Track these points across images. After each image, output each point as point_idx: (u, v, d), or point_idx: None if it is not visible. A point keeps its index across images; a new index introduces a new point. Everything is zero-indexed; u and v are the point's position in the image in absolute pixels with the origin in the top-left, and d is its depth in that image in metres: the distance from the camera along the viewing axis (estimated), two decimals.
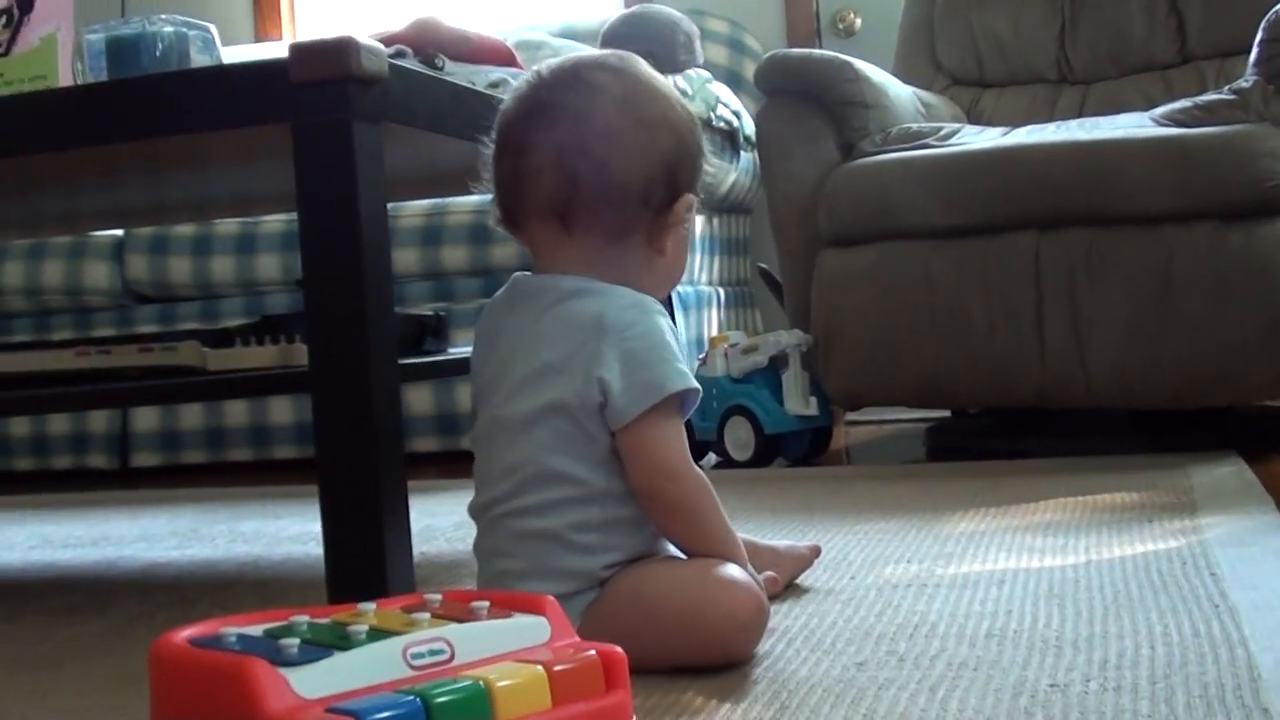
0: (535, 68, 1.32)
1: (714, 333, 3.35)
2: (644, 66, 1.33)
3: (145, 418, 3.41)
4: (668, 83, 1.34)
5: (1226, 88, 2.58)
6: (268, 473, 3.30)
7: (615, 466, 1.24)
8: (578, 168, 1.25)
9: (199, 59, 1.74)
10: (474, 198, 3.10)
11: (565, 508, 1.23)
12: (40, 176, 1.69)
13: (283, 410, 3.30)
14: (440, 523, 2.22)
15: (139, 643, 1.52)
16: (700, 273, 3.42)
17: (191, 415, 3.37)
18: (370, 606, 0.97)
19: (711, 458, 2.82)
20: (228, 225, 3.32)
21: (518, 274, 1.35)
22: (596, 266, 1.28)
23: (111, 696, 1.29)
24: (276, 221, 3.29)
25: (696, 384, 1.25)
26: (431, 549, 2.00)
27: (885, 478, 2.48)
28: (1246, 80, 2.53)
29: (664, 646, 1.18)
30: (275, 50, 3.61)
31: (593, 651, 0.92)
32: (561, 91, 1.28)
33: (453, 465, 3.01)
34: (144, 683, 1.30)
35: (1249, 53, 2.58)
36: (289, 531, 2.30)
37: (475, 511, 1.31)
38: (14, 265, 3.46)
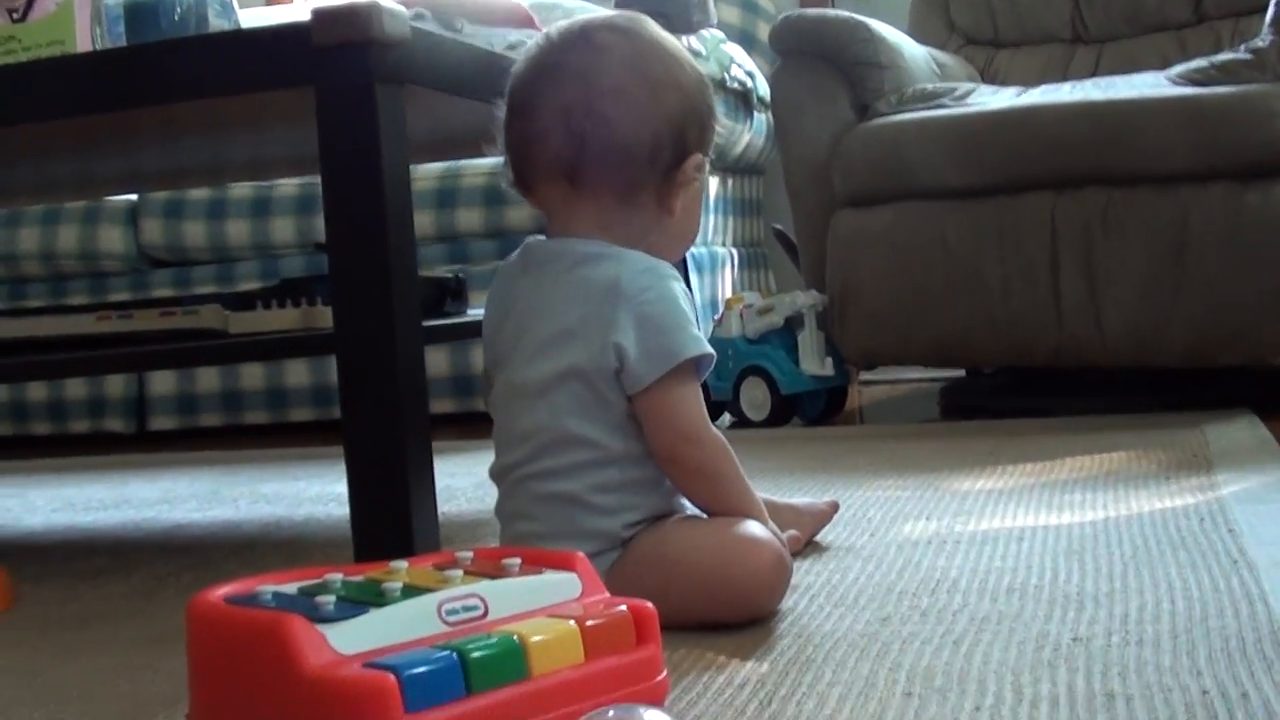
0: (545, 30, 1.33)
1: (729, 294, 3.36)
2: (653, 27, 1.33)
3: (162, 382, 3.42)
4: (677, 43, 1.34)
5: (1243, 47, 2.58)
6: (284, 435, 3.32)
7: (632, 430, 1.25)
8: (584, 127, 1.25)
9: (217, 23, 1.75)
10: (488, 160, 3.12)
11: (584, 470, 1.24)
12: (57, 141, 1.69)
13: (299, 373, 3.32)
14: (460, 483, 2.23)
15: (166, 603, 1.54)
16: (714, 234, 3.43)
17: (208, 379, 3.39)
18: (403, 564, 0.99)
19: (727, 418, 2.83)
20: (242, 189, 3.33)
21: (530, 238, 1.35)
22: (608, 228, 1.29)
23: (142, 655, 1.31)
24: (290, 185, 3.29)
25: (711, 349, 1.26)
26: (452, 509, 2.02)
27: (901, 436, 2.49)
28: (1263, 39, 2.52)
29: (688, 604, 1.19)
30: (286, 13, 3.61)
31: (623, 606, 0.94)
32: (569, 52, 1.29)
33: (469, 426, 3.02)
34: (174, 642, 1.32)
35: (1264, 12, 2.57)
36: (309, 492, 2.31)
37: (496, 475, 1.32)
38: (29, 230, 3.47)
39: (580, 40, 1.29)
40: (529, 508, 1.27)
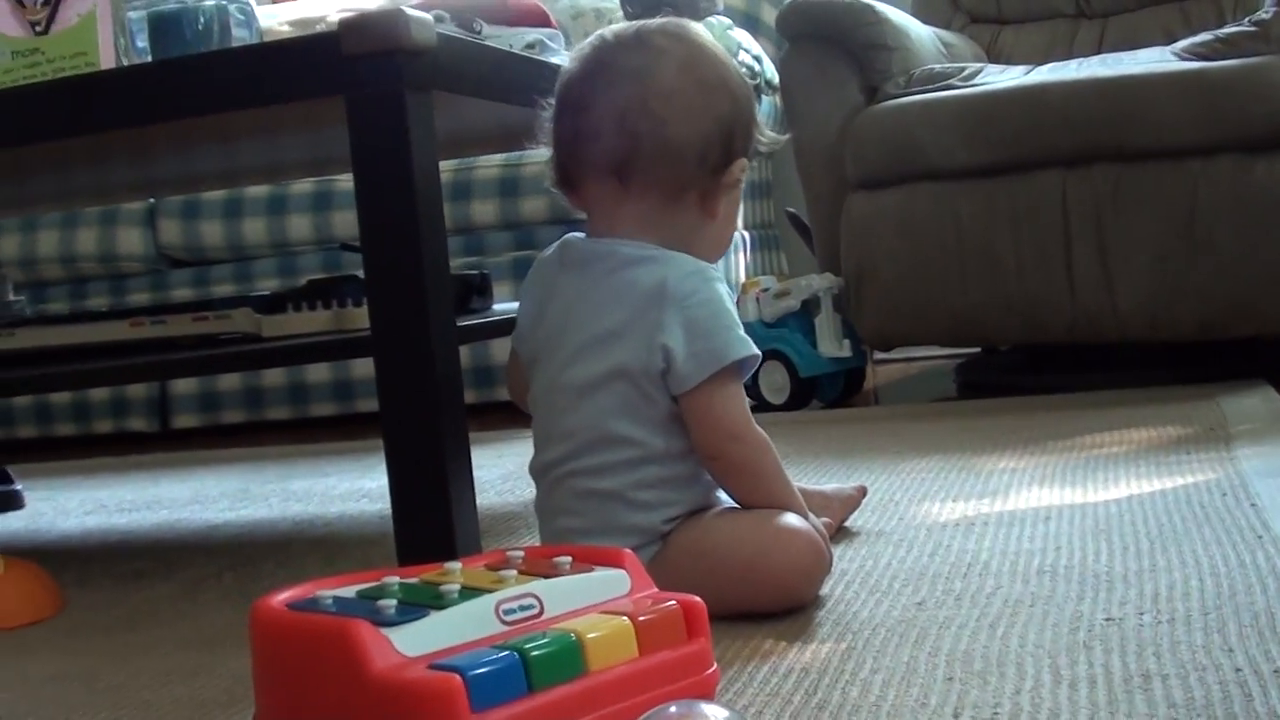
0: (599, 32, 1.36)
1: (743, 277, 3.39)
2: (704, 32, 1.37)
3: (185, 380, 3.45)
4: (723, 49, 1.38)
5: (1247, 19, 2.60)
6: (307, 430, 3.35)
7: (675, 428, 1.29)
8: (638, 125, 1.29)
9: (239, 32, 1.77)
10: (499, 154, 3.14)
11: (625, 469, 1.27)
12: (77, 154, 1.72)
13: (320, 369, 3.34)
14: (487, 475, 2.26)
15: (211, 605, 1.58)
16: None
17: (230, 377, 3.41)
18: (456, 565, 1.02)
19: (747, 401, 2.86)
20: (258, 188, 3.35)
21: (570, 234, 1.38)
22: (652, 229, 1.31)
23: (194, 658, 1.34)
24: (306, 183, 3.32)
25: (757, 350, 1.29)
26: (483, 501, 2.03)
27: (920, 416, 2.52)
28: (1266, 11, 2.54)
29: (729, 594, 1.22)
30: (283, 11, 3.64)
31: (673, 602, 0.97)
32: (624, 53, 1.32)
33: (490, 417, 3.05)
34: (223, 644, 1.36)
35: None
36: (339, 489, 2.34)
37: (536, 472, 1.35)
38: (48, 234, 3.50)
39: (635, 42, 1.33)
40: (571, 504, 1.30)
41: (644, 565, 1.21)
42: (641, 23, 1.36)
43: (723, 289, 1.30)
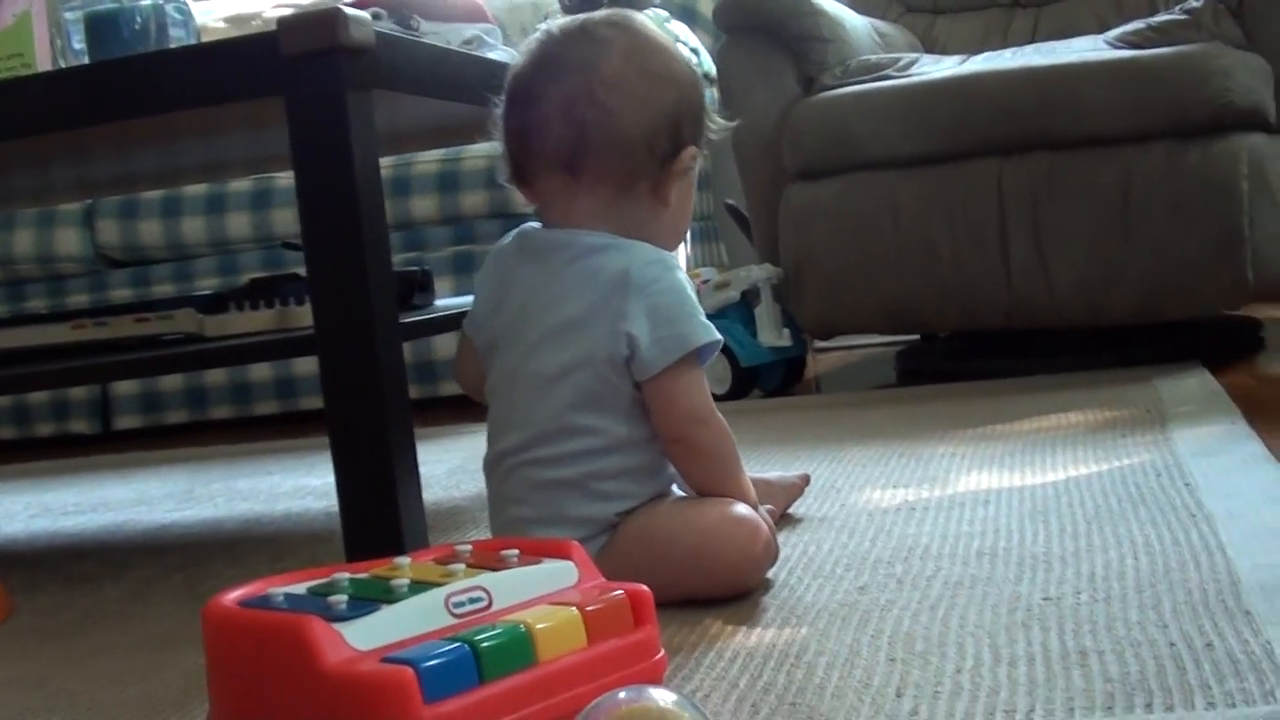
0: (545, 26, 1.37)
1: (685, 269, 3.40)
2: (648, 23, 1.38)
3: (126, 381, 3.43)
4: (669, 38, 1.39)
5: (1178, 8, 2.64)
6: (250, 429, 3.34)
7: (637, 415, 1.31)
8: (585, 115, 1.30)
9: (176, 31, 1.77)
10: (438, 150, 3.14)
11: (586, 458, 1.29)
12: (11, 156, 1.71)
13: (263, 367, 3.33)
14: (432, 470, 2.27)
15: (160, 606, 1.58)
16: None
17: (172, 377, 3.40)
18: (405, 560, 1.03)
19: None
20: (196, 186, 3.34)
21: (526, 225, 1.40)
22: (607, 219, 1.33)
23: (145, 659, 1.34)
24: (244, 180, 3.31)
25: (719, 336, 1.31)
26: (429, 496, 2.04)
27: (860, 404, 2.55)
28: (1196, 0, 2.58)
29: (678, 581, 1.24)
30: (218, 8, 3.63)
31: (620, 591, 0.98)
32: (569, 45, 1.34)
33: (433, 413, 3.06)
34: (175, 644, 1.36)
35: None
36: (283, 487, 2.35)
37: (490, 463, 1.36)
38: None
39: (580, 34, 1.35)
40: (522, 493, 1.31)
41: (593, 555, 1.24)
42: (586, 15, 1.37)
43: (683, 277, 1.32)
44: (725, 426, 1.33)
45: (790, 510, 1.62)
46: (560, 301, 1.31)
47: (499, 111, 1.37)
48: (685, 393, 1.30)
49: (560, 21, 1.37)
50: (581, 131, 1.30)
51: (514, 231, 1.41)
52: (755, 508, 1.32)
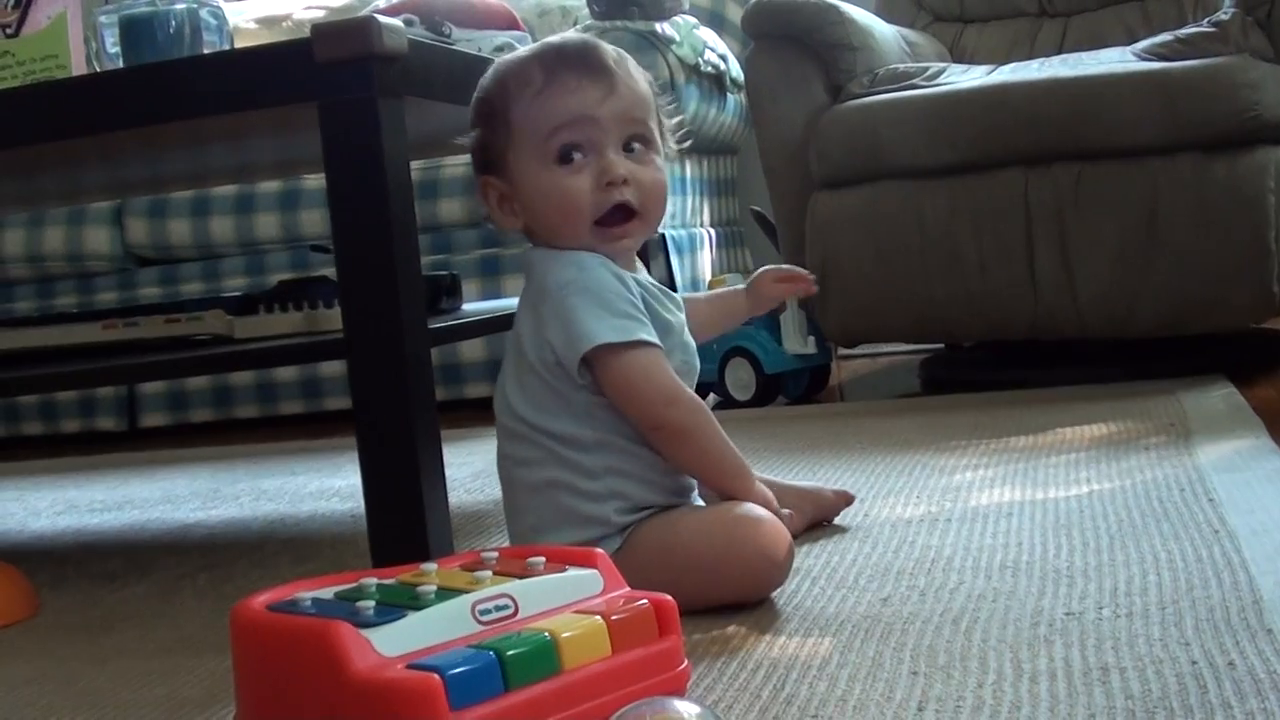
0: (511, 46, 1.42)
1: (709, 274, 3.41)
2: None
3: None
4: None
5: (1206, 20, 2.64)
6: (275, 428, 3.36)
7: (604, 419, 1.32)
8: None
9: (209, 35, 1.78)
10: (468, 154, 3.15)
11: (560, 459, 1.32)
12: (45, 157, 1.72)
13: (288, 367, 3.35)
14: (457, 473, 2.27)
15: (186, 605, 1.59)
16: (691, 215, 3.48)
17: (199, 376, 3.42)
18: (432, 566, 1.04)
19: (713, 398, 2.89)
20: (225, 187, 3.36)
21: None
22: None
23: (171, 659, 1.35)
24: (273, 181, 3.33)
25: (634, 337, 1.30)
26: (453, 500, 2.05)
27: (884, 413, 2.55)
28: (1225, 12, 2.58)
29: (699, 588, 1.25)
30: (249, 8, 3.65)
31: (645, 601, 0.99)
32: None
33: (458, 415, 3.07)
34: (200, 645, 1.38)
35: None
36: (309, 488, 2.36)
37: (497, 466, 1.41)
38: (14, 233, 3.50)
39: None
40: (522, 499, 1.36)
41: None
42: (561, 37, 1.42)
43: (599, 276, 1.32)
44: (698, 401, 1.34)
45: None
46: (518, 316, 1.38)
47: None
48: (642, 378, 1.30)
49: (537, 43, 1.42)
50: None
51: None
52: (763, 495, 1.35)
